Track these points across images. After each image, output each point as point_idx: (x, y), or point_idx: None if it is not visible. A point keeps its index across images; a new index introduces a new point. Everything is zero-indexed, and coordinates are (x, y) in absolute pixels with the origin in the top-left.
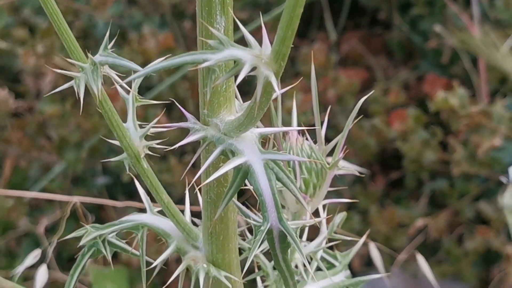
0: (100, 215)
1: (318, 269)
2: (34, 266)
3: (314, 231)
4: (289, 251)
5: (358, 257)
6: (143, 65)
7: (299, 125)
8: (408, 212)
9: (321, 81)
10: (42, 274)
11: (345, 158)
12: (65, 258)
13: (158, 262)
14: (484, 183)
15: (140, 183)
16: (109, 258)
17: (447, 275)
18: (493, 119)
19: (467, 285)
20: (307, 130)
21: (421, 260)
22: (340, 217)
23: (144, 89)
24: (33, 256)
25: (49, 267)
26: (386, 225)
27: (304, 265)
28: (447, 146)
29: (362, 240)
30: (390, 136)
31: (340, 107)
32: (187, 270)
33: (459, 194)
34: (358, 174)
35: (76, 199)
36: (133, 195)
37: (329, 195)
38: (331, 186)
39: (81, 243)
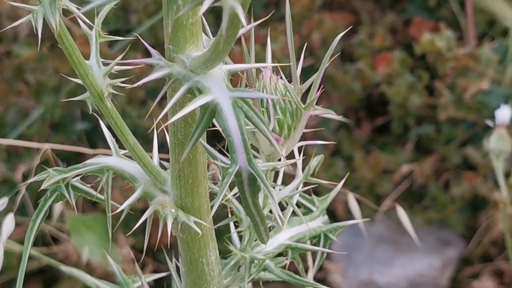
0: (80, 162)
1: (295, 214)
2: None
3: (292, 177)
4: (261, 195)
5: (342, 204)
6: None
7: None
8: (394, 158)
9: (306, 24)
10: (8, 223)
11: (330, 103)
12: None
13: (123, 206)
14: (471, 128)
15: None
16: (73, 203)
17: (433, 222)
18: (481, 62)
19: (454, 232)
20: (286, 71)
21: (400, 211)
22: (316, 160)
23: (123, 32)
24: (0, 203)
25: (26, 215)
26: (371, 171)
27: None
28: (433, 91)
29: (340, 184)
30: (375, 80)
31: (324, 51)
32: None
33: (445, 140)
34: (335, 117)
35: (47, 146)
36: None
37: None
38: (315, 132)
39: (42, 187)
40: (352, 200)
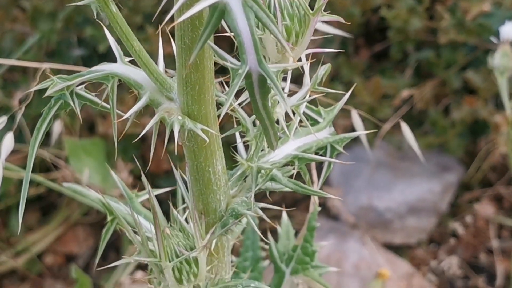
0: None
1: (301, 126)
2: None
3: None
4: (270, 99)
5: (341, 129)
6: None
7: None
8: (393, 82)
9: None
10: (8, 141)
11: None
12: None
13: (130, 113)
14: (472, 51)
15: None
16: (77, 111)
17: (433, 147)
18: None
19: (453, 157)
20: None
21: (405, 128)
22: (324, 69)
23: None
24: None
25: (24, 142)
26: (371, 96)
27: (286, 121)
28: (434, 15)
29: (346, 96)
30: (375, 4)
31: None
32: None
33: (445, 64)
34: (339, 32)
35: (46, 65)
36: None
37: (312, 66)
38: (312, 56)
39: (46, 94)
40: (355, 115)
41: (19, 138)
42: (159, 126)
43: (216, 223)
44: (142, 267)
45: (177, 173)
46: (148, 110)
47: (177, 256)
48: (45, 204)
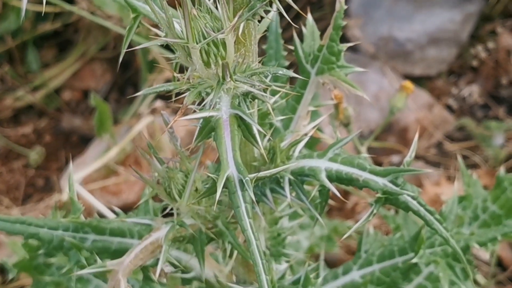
0: None
1: None
2: None
3: None
4: None
5: None
6: None
7: None
8: None
9: None
10: None
11: None
12: None
13: None
14: None
15: None
16: None
17: None
18: None
19: None
20: None
21: None
22: None
23: None
24: None
25: None
26: None
27: None
28: None
29: None
30: None
31: None
32: None
33: None
34: None
35: None
36: None
37: None
38: None
39: None
40: None
41: None
42: None
43: (243, 8)
44: (160, 96)
45: None
46: None
47: (205, 38)
48: (62, 40)
